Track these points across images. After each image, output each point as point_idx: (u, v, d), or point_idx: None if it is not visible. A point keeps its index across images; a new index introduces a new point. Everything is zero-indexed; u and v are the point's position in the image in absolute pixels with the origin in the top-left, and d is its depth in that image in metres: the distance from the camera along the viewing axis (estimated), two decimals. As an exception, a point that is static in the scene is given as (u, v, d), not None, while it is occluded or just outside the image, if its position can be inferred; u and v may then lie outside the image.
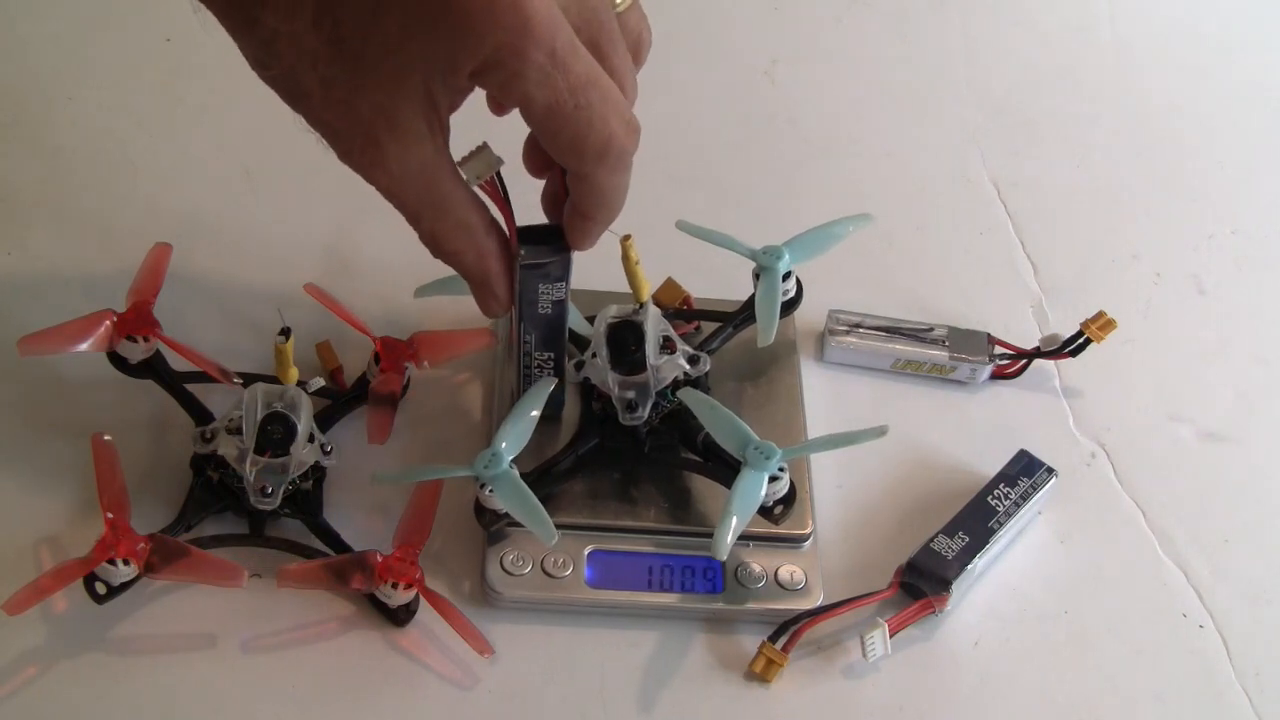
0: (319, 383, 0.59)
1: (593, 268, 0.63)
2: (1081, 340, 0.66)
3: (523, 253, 0.52)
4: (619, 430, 0.59)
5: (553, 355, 0.58)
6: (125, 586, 0.53)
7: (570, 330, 0.61)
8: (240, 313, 0.66)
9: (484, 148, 0.49)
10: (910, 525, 0.61)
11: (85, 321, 0.58)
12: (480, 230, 0.50)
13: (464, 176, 0.49)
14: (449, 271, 0.63)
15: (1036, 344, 0.68)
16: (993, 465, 0.62)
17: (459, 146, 0.48)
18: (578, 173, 0.49)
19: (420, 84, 0.45)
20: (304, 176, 0.74)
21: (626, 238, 0.60)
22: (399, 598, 0.54)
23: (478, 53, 0.43)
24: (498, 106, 0.52)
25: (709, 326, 0.65)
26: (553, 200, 0.54)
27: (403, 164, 0.47)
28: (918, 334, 0.68)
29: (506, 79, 0.44)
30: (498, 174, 0.50)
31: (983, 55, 0.90)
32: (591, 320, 0.60)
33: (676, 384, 0.59)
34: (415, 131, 0.46)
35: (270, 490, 0.55)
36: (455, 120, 0.48)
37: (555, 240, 0.53)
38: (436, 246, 0.50)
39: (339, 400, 0.62)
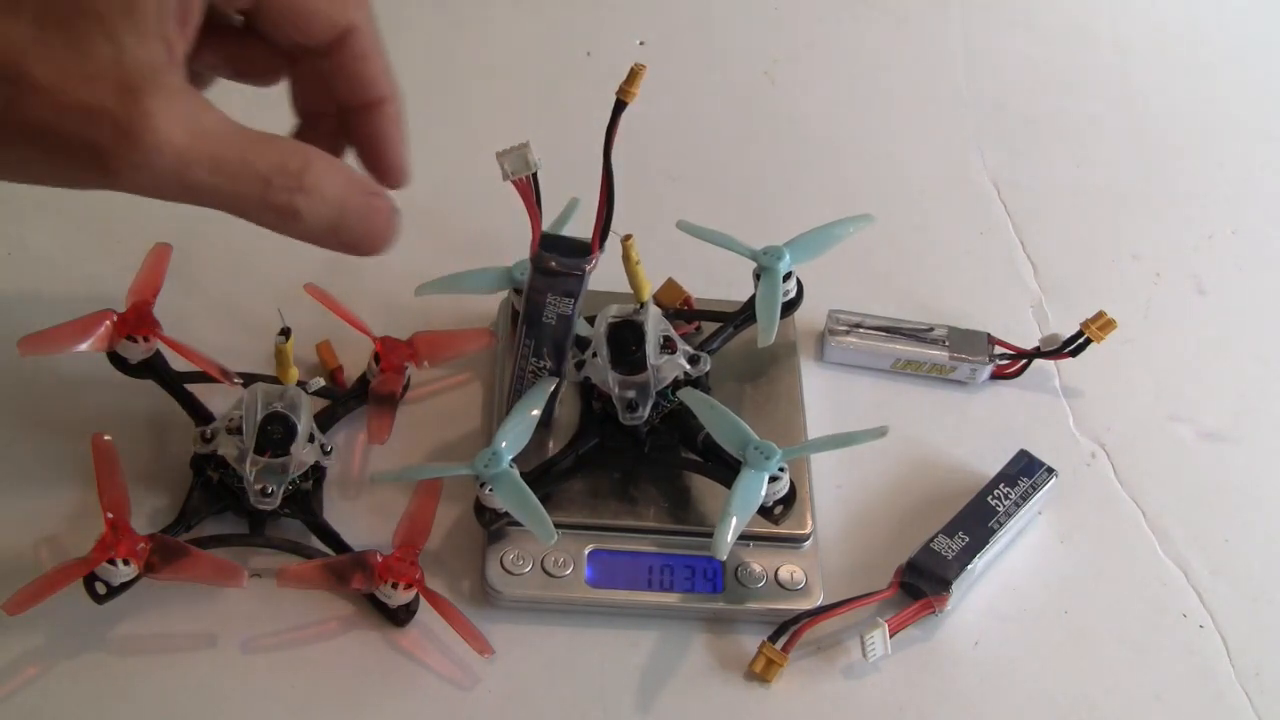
0: (319, 383, 0.59)
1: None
2: (1081, 340, 0.66)
3: (545, 257, 0.52)
4: (619, 430, 0.59)
5: (549, 366, 0.58)
6: (125, 586, 0.53)
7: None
8: (240, 313, 0.66)
9: (526, 145, 0.49)
10: (910, 525, 0.61)
11: (85, 321, 0.58)
12: (338, 163, 0.45)
13: (502, 169, 0.48)
14: (450, 269, 0.64)
15: (1036, 344, 0.68)
16: (993, 465, 0.62)
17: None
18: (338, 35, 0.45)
19: (151, 3, 0.40)
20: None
21: (627, 237, 0.60)
22: (399, 598, 0.54)
23: None
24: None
25: (709, 326, 0.65)
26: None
27: (189, 116, 0.40)
28: (918, 334, 0.68)
29: None
30: (534, 176, 0.49)
31: (983, 55, 0.90)
32: (592, 320, 0.60)
33: (677, 384, 0.59)
34: (176, 76, 0.41)
35: (270, 490, 0.55)
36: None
37: (576, 254, 0.53)
38: (316, 204, 0.43)
39: (339, 400, 0.62)
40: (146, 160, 0.40)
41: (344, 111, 0.48)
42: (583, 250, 0.53)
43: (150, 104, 0.40)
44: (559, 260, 0.53)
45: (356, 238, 0.45)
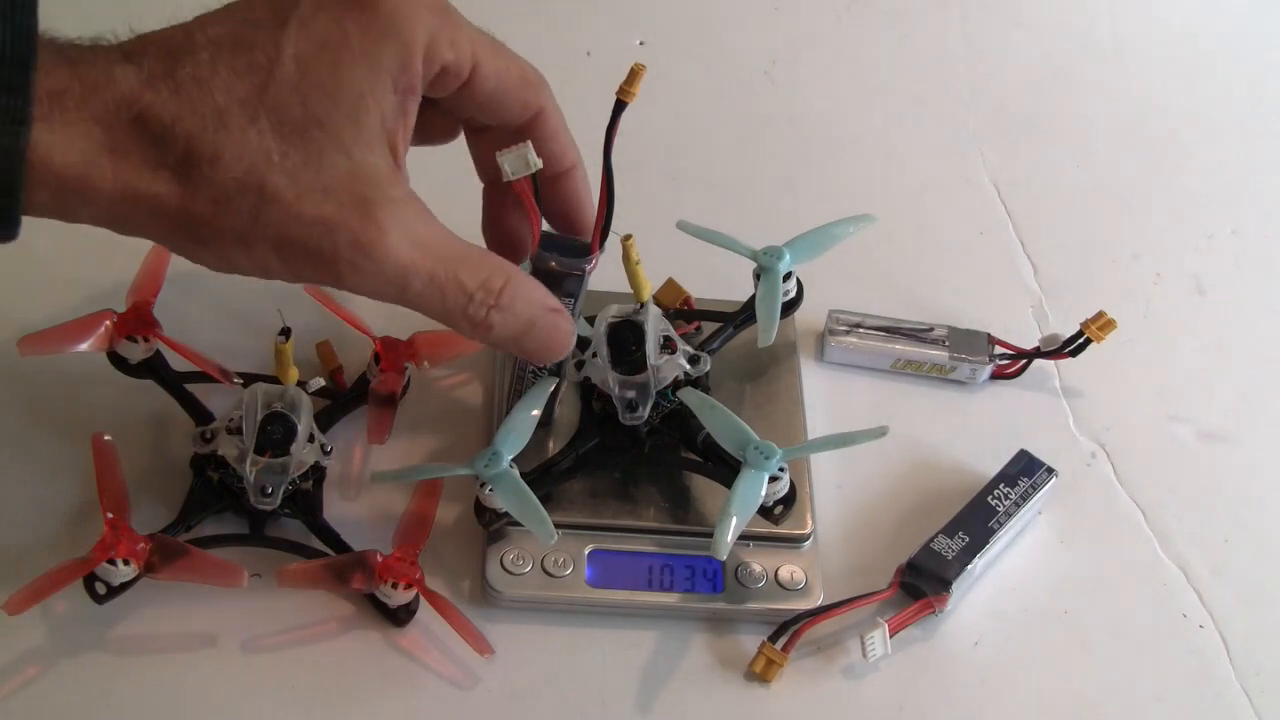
0: (319, 383, 0.59)
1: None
2: (1081, 340, 0.66)
3: (545, 256, 0.52)
4: (619, 430, 0.59)
5: (547, 370, 0.58)
6: (125, 586, 0.53)
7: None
8: (240, 313, 0.66)
9: (526, 145, 0.49)
10: (910, 525, 0.61)
11: (85, 321, 0.58)
12: (532, 282, 0.49)
13: (502, 169, 0.49)
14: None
15: (1036, 344, 0.68)
16: (993, 465, 0.62)
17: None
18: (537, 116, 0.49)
19: (376, 113, 0.43)
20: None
21: (627, 237, 0.60)
22: (399, 598, 0.54)
23: (417, 29, 0.43)
24: (445, 123, 0.51)
25: (709, 326, 0.65)
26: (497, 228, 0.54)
27: (413, 229, 0.44)
28: (918, 334, 0.68)
29: (454, 33, 0.45)
30: (534, 176, 0.50)
31: (983, 55, 0.90)
32: (592, 320, 0.60)
33: (677, 384, 0.59)
34: (401, 186, 0.44)
35: (270, 490, 0.55)
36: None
37: (576, 254, 0.53)
38: (508, 319, 0.47)
39: (339, 400, 0.61)
40: (376, 270, 0.43)
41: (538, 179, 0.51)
42: (582, 250, 0.53)
43: (381, 217, 0.43)
44: (559, 260, 0.53)
45: (536, 349, 0.50)
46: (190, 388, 0.60)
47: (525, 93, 0.49)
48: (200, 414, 0.59)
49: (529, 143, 0.49)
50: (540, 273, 0.53)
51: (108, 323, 0.58)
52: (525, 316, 0.48)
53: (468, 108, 0.49)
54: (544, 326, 0.49)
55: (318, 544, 0.57)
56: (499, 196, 0.54)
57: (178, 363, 0.60)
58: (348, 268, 0.43)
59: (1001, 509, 0.60)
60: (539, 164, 0.49)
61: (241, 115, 0.41)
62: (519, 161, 0.49)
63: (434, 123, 0.51)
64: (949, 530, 0.59)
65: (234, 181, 0.42)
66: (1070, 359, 0.67)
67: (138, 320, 0.58)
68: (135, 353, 0.59)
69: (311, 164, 0.42)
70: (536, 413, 0.57)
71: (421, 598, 0.55)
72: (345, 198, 0.42)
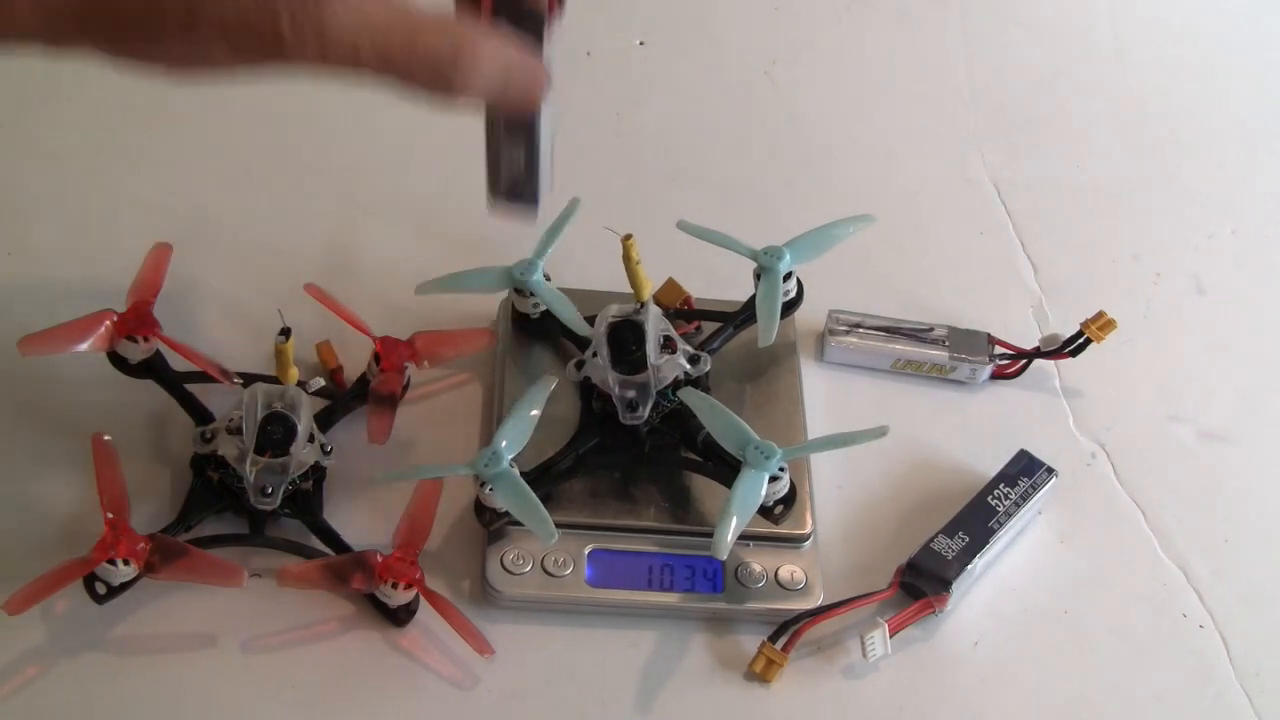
0: (319, 383, 0.59)
1: (594, 267, 0.63)
2: (1081, 340, 0.66)
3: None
4: (619, 430, 0.59)
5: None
6: (125, 586, 0.53)
7: (570, 330, 0.62)
8: (240, 313, 0.66)
9: None
10: (910, 525, 0.61)
11: (85, 321, 0.58)
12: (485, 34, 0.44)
13: None
14: (450, 269, 0.64)
15: (1036, 344, 0.68)
16: (993, 465, 0.62)
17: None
18: None
19: None
20: (304, 176, 0.74)
21: (628, 237, 0.60)
22: (399, 598, 0.54)
23: None
24: None
25: (709, 326, 0.65)
26: None
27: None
28: (918, 334, 0.68)
29: None
30: None
31: (983, 55, 0.90)
32: (592, 320, 0.60)
33: (677, 384, 0.59)
34: None
35: (270, 490, 0.55)
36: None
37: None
38: (479, 83, 0.43)
39: (339, 400, 0.61)
40: (320, 46, 0.40)
41: None
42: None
43: None
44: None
45: (520, 94, 0.46)
46: (190, 388, 0.60)
47: None
48: (200, 414, 0.59)
49: None
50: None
51: (108, 323, 0.58)
52: (497, 77, 0.44)
53: None
54: (517, 80, 0.45)
55: (318, 544, 0.57)
56: None
57: (178, 363, 0.60)
58: (294, 44, 0.40)
59: (1001, 509, 0.60)
60: None
61: None
62: None
63: None
64: (949, 530, 0.59)
65: None
66: (1070, 359, 0.67)
67: (138, 320, 0.58)
68: (135, 353, 0.59)
69: None
70: (536, 413, 0.57)
71: (421, 598, 0.55)
72: None
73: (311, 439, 0.56)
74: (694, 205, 0.67)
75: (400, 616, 0.55)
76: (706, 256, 0.63)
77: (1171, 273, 0.77)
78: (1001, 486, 0.61)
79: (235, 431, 0.55)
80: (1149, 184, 0.83)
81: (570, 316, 0.61)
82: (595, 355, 0.58)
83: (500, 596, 0.56)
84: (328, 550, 0.56)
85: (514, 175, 0.50)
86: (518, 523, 0.55)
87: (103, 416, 0.60)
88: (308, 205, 0.73)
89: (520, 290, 0.63)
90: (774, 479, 0.55)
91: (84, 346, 0.58)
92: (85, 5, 0.40)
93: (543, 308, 0.63)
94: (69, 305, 0.59)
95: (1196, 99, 0.89)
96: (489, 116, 0.50)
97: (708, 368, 0.60)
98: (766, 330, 0.60)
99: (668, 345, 0.59)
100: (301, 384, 0.59)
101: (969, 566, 0.57)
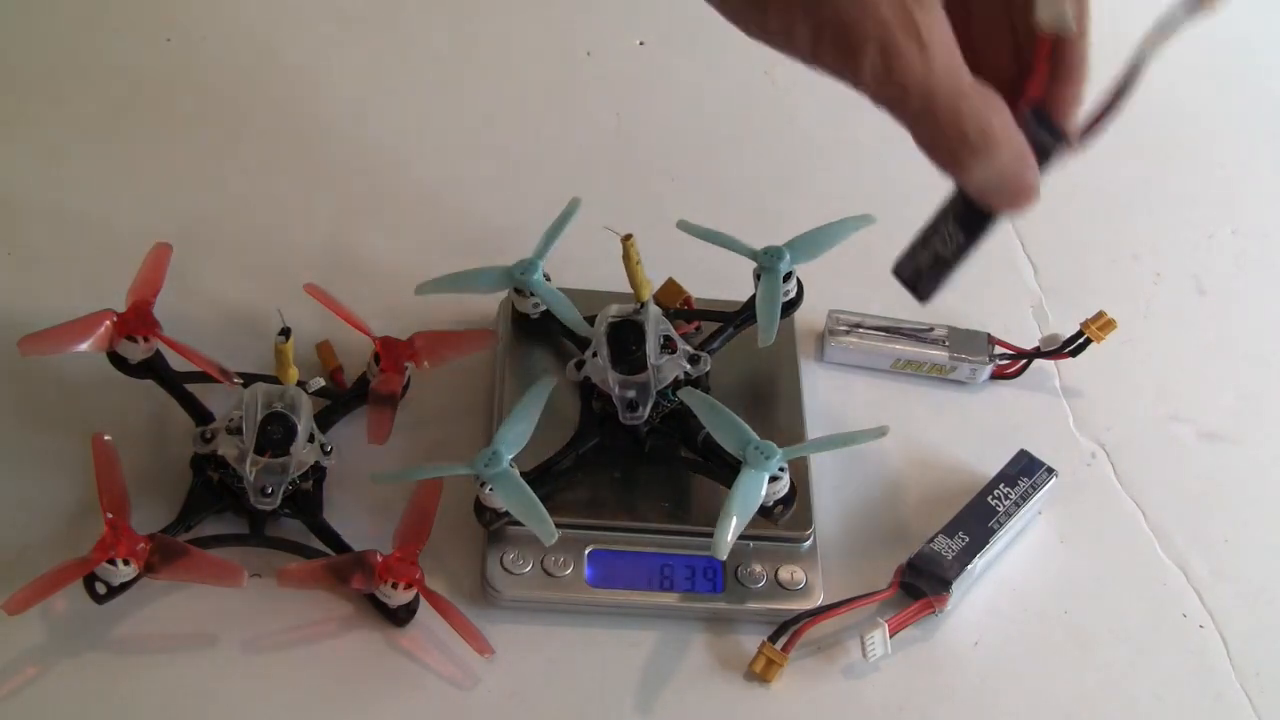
0: (319, 383, 0.59)
1: (594, 267, 0.63)
2: (1081, 340, 0.66)
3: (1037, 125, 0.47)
4: (619, 429, 0.59)
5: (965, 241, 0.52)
6: (125, 586, 0.53)
7: (570, 330, 0.62)
8: (240, 313, 0.66)
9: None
10: (910, 525, 0.61)
11: (85, 321, 0.58)
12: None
13: (1041, 19, 0.45)
14: (449, 269, 0.64)
15: (1036, 344, 0.68)
16: (993, 465, 0.62)
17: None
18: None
19: None
20: (303, 176, 0.74)
21: (628, 237, 0.60)
22: (399, 598, 0.54)
23: None
24: None
25: (709, 326, 0.65)
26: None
27: (937, 37, 0.42)
28: (918, 334, 0.68)
29: None
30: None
31: (983, 55, 0.90)
32: (592, 320, 0.60)
33: (677, 383, 0.59)
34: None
35: (270, 490, 0.55)
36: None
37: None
38: (988, 139, 0.44)
39: (339, 400, 0.61)
40: (900, 85, 0.44)
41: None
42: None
43: (923, 28, 0.42)
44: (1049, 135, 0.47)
45: (1007, 197, 0.47)
46: (190, 388, 0.60)
47: None
48: (200, 414, 0.59)
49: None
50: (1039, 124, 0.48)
51: (108, 323, 0.58)
52: (997, 178, 0.46)
53: None
54: (1015, 175, 0.46)
55: (318, 544, 0.57)
56: (982, 23, 0.49)
57: (178, 363, 0.60)
58: (871, 72, 0.43)
59: (1001, 509, 0.60)
60: (1074, 27, 0.45)
61: None
62: (1054, 10, 0.45)
63: None
64: (949, 530, 0.59)
65: None
66: (1070, 359, 0.67)
67: (138, 320, 0.58)
68: (135, 353, 0.59)
69: None
70: (536, 413, 0.57)
71: (421, 598, 0.55)
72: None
73: (311, 439, 0.56)
74: (694, 205, 0.67)
75: (400, 616, 0.55)
76: (706, 256, 0.63)
77: (1171, 273, 0.77)
78: (1001, 486, 0.61)
79: (235, 431, 0.56)
80: (1149, 184, 0.83)
81: (570, 316, 0.61)
82: (595, 355, 0.58)
83: (500, 596, 0.56)
84: (328, 550, 0.56)
85: (932, 263, 0.52)
86: (518, 523, 0.54)
87: (103, 416, 0.60)
88: (308, 205, 0.73)
89: (520, 290, 0.63)
90: (774, 479, 0.55)
91: (84, 346, 0.58)
92: None
93: (543, 308, 0.63)
94: (69, 305, 0.59)
95: (1196, 99, 0.89)
96: (953, 200, 0.51)
97: (708, 368, 0.60)
98: (766, 330, 0.60)
99: (668, 345, 0.59)
100: (301, 384, 0.59)
101: (969, 566, 0.57)
